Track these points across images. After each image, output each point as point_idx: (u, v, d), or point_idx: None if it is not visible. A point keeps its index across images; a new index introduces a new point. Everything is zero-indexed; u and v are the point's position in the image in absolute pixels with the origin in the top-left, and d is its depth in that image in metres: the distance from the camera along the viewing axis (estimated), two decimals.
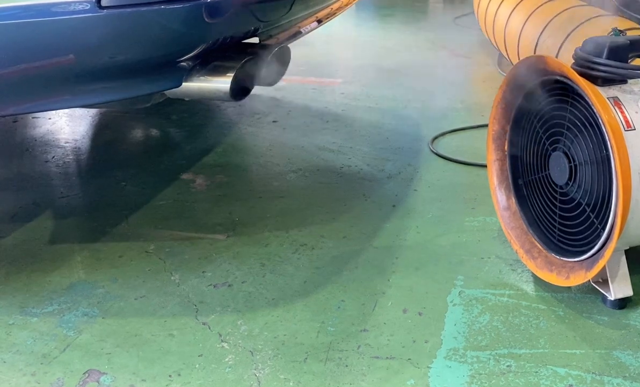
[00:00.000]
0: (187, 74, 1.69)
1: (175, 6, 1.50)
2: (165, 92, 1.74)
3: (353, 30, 5.47)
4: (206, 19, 1.56)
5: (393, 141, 2.95)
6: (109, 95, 1.64)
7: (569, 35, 3.09)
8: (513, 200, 2.01)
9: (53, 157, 2.78)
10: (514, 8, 3.84)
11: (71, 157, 2.79)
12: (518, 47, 3.61)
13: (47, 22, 1.48)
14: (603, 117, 1.60)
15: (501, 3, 4.08)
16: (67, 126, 3.14)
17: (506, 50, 3.93)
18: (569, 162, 1.76)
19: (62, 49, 1.51)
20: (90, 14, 1.45)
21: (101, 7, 1.45)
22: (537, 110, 1.88)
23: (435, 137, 2.98)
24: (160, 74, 1.66)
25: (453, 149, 2.85)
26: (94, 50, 1.52)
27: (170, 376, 1.53)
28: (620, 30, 1.94)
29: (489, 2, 4.31)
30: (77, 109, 3.26)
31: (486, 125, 2.15)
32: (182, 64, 1.68)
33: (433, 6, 6.64)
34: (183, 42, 1.61)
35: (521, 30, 3.59)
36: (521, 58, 2.25)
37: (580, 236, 1.77)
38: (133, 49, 1.55)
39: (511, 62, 3.88)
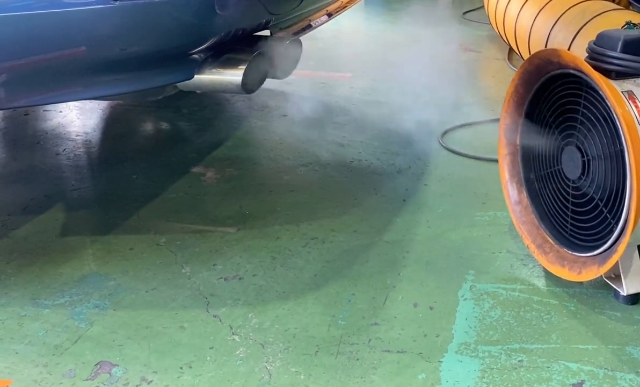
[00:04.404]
0: (199, 66, 1.69)
1: None
2: (177, 84, 1.74)
3: (362, 25, 5.46)
4: (218, 11, 1.56)
5: (403, 135, 2.94)
6: (122, 87, 1.64)
7: (580, 29, 3.07)
8: (524, 194, 2.00)
9: (64, 150, 2.79)
10: (525, 2, 3.82)
11: (82, 150, 2.80)
12: (529, 41, 3.59)
13: (60, 14, 1.48)
14: (617, 111, 1.58)
15: None
16: (77, 119, 3.15)
17: (517, 45, 3.91)
18: (582, 156, 1.75)
19: (74, 41, 1.51)
20: (103, 6, 1.45)
21: None
22: (550, 104, 1.87)
23: (446, 132, 2.97)
24: (172, 66, 1.66)
25: (463, 144, 2.84)
26: (106, 42, 1.52)
27: (181, 368, 1.53)
28: (634, 24, 1.93)
29: None
30: (88, 102, 3.27)
31: (497, 120, 2.14)
32: (194, 56, 1.68)
33: (442, 0, 6.61)
34: (195, 34, 1.61)
35: (532, 25, 3.57)
36: (532, 52, 2.23)
37: (593, 231, 1.76)
38: (145, 41, 1.55)
39: (521, 56, 3.86)
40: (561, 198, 1.87)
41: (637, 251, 1.74)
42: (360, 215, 2.24)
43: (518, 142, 2.01)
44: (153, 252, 2.01)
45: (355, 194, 2.39)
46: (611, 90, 1.62)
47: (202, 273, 1.90)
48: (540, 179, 1.96)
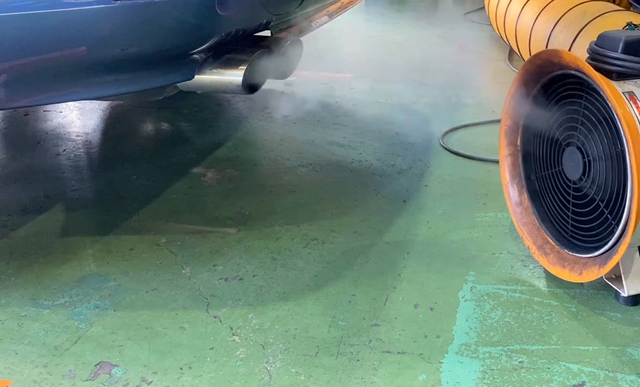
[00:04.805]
0: (200, 66, 1.69)
1: None
2: (177, 84, 1.73)
3: (363, 25, 5.46)
4: (219, 11, 1.56)
5: (403, 136, 2.94)
6: (122, 87, 1.64)
7: (581, 30, 3.07)
8: (525, 195, 2.00)
9: (64, 150, 2.78)
10: (526, 3, 3.82)
11: (82, 150, 2.80)
12: (529, 42, 3.59)
13: (60, 14, 1.48)
14: (618, 112, 1.58)
15: None
16: (78, 119, 3.15)
17: (517, 46, 3.91)
18: (583, 157, 1.75)
19: (75, 41, 1.51)
20: (104, 5, 1.45)
21: None
22: (551, 105, 1.87)
23: (446, 133, 2.97)
24: (173, 66, 1.65)
25: (464, 145, 2.84)
26: (107, 42, 1.52)
27: (181, 368, 1.53)
28: (635, 25, 1.92)
29: None
30: (88, 102, 3.27)
31: (497, 121, 2.13)
32: (195, 56, 1.68)
33: (443, 1, 6.61)
34: (196, 34, 1.61)
35: (533, 25, 3.57)
36: (533, 53, 2.23)
37: (594, 232, 1.76)
38: (146, 41, 1.55)
39: (522, 57, 3.86)
40: (562, 199, 1.86)
41: (637, 252, 1.74)
42: (361, 216, 2.24)
43: (519, 143, 2.01)
44: (153, 252, 2.01)
45: (356, 195, 2.39)
46: (612, 91, 1.62)
47: (202, 274, 1.90)
48: (541, 180, 1.96)
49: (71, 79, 1.59)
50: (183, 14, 1.53)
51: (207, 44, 1.64)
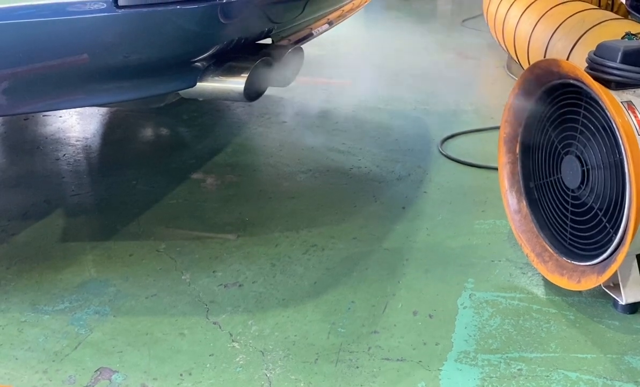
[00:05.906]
0: (202, 74, 1.69)
1: (191, 6, 1.50)
2: (179, 92, 1.74)
3: (362, 32, 5.47)
4: (221, 20, 1.56)
5: (402, 143, 2.95)
6: (123, 94, 1.65)
7: (579, 38, 3.08)
8: (524, 203, 2.01)
9: (64, 155, 2.79)
10: (524, 11, 3.83)
11: (82, 155, 2.80)
12: (528, 50, 3.61)
13: (63, 21, 1.49)
14: (617, 121, 1.59)
15: (511, 6, 4.07)
16: (77, 124, 3.16)
17: (516, 54, 3.92)
18: (582, 166, 1.76)
19: (77, 48, 1.52)
20: (107, 14, 1.45)
21: (118, 7, 1.45)
22: (550, 114, 1.88)
23: (445, 139, 2.98)
24: (174, 73, 1.66)
25: (463, 151, 2.85)
26: (109, 50, 1.52)
27: (181, 375, 1.54)
28: (633, 34, 1.94)
29: (499, 4, 4.30)
30: (88, 107, 3.28)
31: (496, 128, 2.14)
32: (197, 64, 1.68)
33: (442, 9, 6.63)
34: (198, 42, 1.61)
35: (531, 34, 3.58)
36: (531, 61, 2.25)
37: (592, 240, 1.77)
38: (148, 49, 1.55)
39: (521, 65, 3.87)
40: (561, 207, 1.87)
41: (635, 260, 1.75)
42: (360, 222, 2.25)
43: (518, 151, 2.02)
44: (153, 258, 2.01)
45: (355, 201, 2.40)
46: (611, 100, 1.63)
47: (202, 280, 1.90)
48: (539, 188, 1.97)
49: (73, 86, 1.60)
50: (186, 23, 1.54)
51: (209, 52, 1.65)
